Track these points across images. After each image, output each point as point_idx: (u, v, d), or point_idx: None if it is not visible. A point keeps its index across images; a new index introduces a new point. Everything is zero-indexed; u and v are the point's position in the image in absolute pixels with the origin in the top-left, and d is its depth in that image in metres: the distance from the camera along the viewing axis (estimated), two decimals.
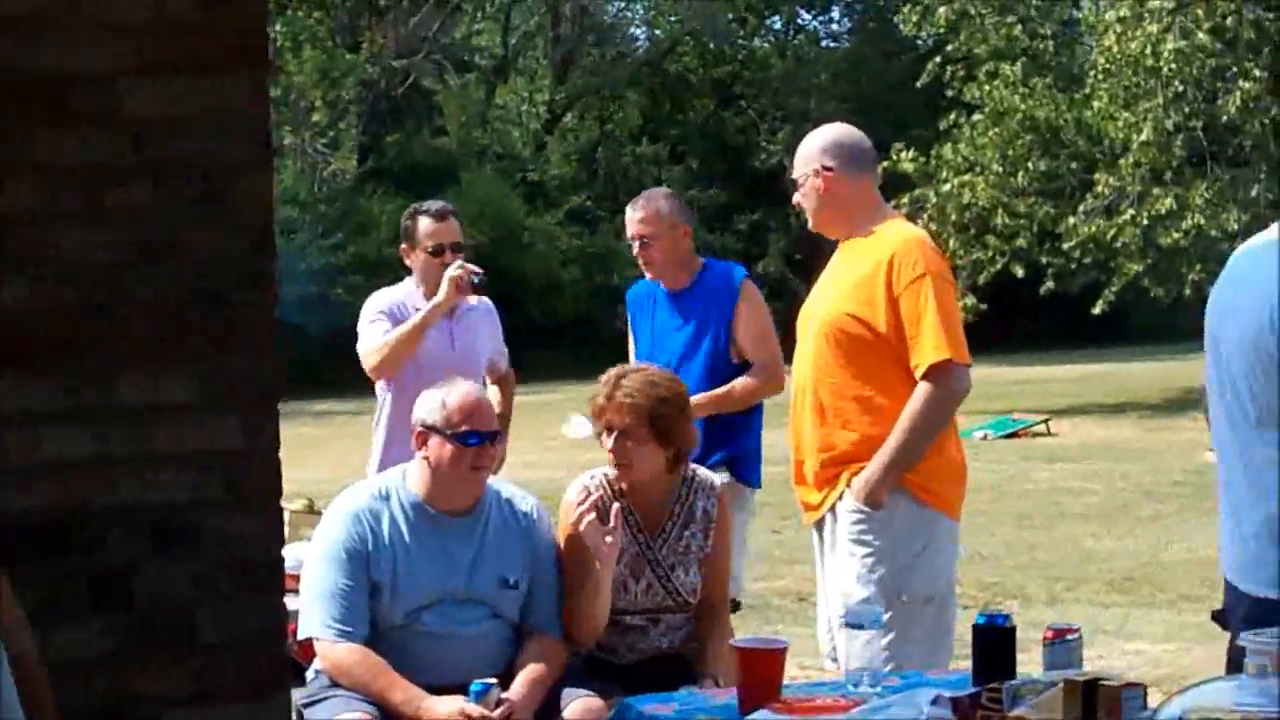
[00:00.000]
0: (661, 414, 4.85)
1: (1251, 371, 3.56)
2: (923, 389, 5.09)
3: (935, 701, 3.01)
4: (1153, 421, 23.85)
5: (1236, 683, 2.79)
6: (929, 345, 5.08)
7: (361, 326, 6.53)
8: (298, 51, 35.42)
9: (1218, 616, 3.76)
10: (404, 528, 4.61)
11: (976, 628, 3.68)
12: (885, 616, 4.69)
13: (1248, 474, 3.60)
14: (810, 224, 5.50)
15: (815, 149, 5.40)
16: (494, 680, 4.35)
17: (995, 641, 3.62)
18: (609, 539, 4.68)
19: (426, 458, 4.65)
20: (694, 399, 5.44)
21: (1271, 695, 2.70)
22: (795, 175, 5.45)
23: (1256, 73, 24.02)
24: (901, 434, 5.08)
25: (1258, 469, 3.56)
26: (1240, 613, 3.56)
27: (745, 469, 6.40)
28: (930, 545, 5.21)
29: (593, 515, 4.72)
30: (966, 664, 7.55)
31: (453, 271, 6.30)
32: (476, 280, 6.38)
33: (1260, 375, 3.53)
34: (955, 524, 5.37)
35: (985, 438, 21.28)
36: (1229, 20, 24.09)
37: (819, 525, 5.41)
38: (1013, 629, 3.64)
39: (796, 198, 5.45)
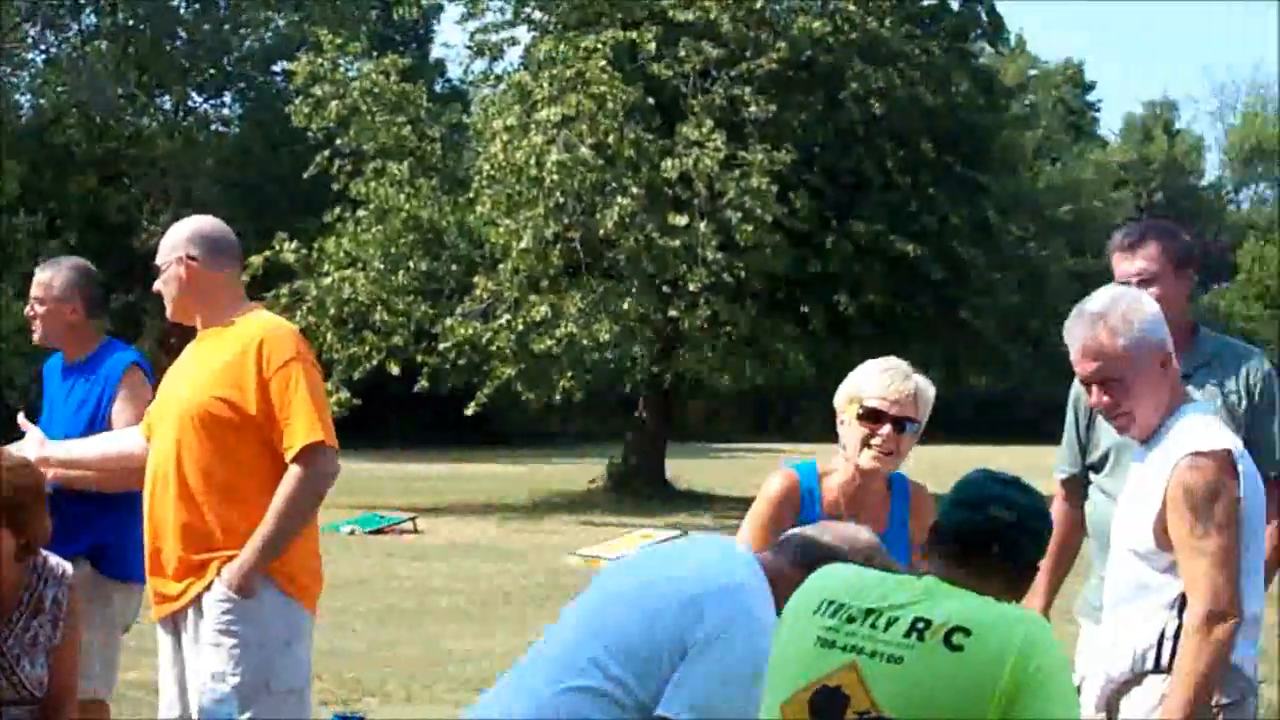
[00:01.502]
0: (14, 500, 4.64)
1: None
2: (294, 472, 5.02)
3: None
4: (518, 523, 24.28)
5: None
6: (301, 427, 5.04)
7: None
8: None
9: None
10: None
11: None
12: (248, 711, 4.65)
13: None
14: (169, 311, 5.48)
15: (181, 238, 5.40)
16: None
17: None
18: None
19: None
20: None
21: None
22: (159, 262, 5.43)
23: (634, 189, 25.01)
24: (275, 518, 4.99)
25: None
26: None
27: (107, 559, 6.06)
28: (294, 638, 5.13)
29: None
30: None
31: None
32: None
33: None
34: (312, 617, 5.27)
35: (353, 533, 21.21)
36: (610, 137, 25.03)
37: (174, 618, 5.20)
38: None
39: (157, 284, 5.43)
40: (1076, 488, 5.24)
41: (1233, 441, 4.06)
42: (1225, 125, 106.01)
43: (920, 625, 3.19)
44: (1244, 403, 4.95)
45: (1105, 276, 5.17)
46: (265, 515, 5.00)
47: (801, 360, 29.17)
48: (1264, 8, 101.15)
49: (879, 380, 4.78)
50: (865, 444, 4.72)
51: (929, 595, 3.28)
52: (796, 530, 4.20)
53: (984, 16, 32.92)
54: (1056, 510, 5.26)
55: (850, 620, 3.28)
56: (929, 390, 4.85)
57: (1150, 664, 4.00)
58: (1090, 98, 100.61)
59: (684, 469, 31.32)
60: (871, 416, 4.74)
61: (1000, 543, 3.38)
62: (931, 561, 3.44)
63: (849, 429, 4.79)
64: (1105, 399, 4.13)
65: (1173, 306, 4.45)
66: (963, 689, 3.08)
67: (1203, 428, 4.06)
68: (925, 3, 31.91)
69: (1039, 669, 3.11)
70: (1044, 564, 5.18)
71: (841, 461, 4.84)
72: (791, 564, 3.84)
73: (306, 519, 5.13)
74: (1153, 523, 4.00)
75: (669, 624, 3.68)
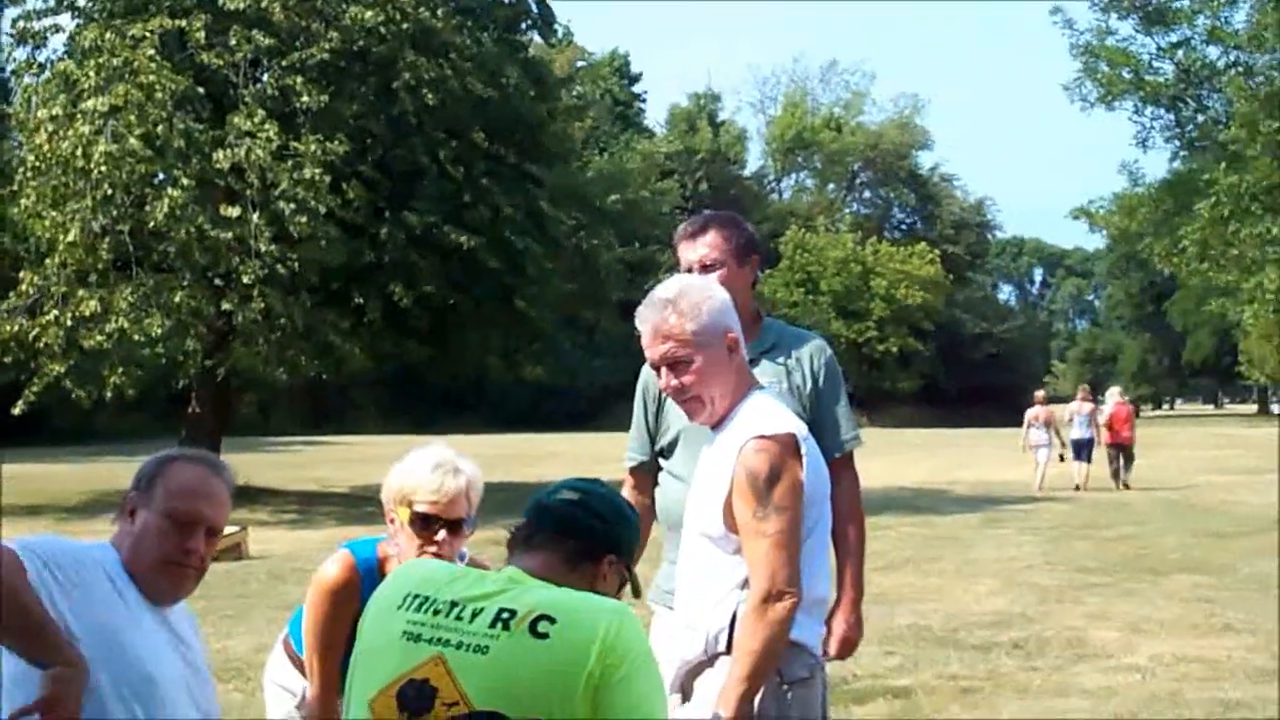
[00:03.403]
0: None
1: None
2: None
3: None
4: (71, 523, 23.52)
5: None
6: None
7: None
8: None
9: None
10: None
11: None
12: None
13: None
14: None
15: None
16: None
17: None
18: None
19: None
20: None
21: None
22: None
23: (185, 181, 24.46)
24: None
25: None
26: None
27: None
28: None
29: None
30: None
31: None
32: None
33: None
34: None
35: None
36: (160, 128, 24.42)
37: None
38: None
39: None
40: (646, 475, 5.31)
41: (797, 425, 4.17)
42: (767, 116, 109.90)
43: (505, 615, 3.19)
44: (808, 386, 5.12)
45: (652, 264, 5.26)
46: None
47: (358, 353, 29.05)
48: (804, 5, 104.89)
49: (429, 481, 4.57)
50: (421, 550, 4.52)
51: (513, 585, 3.29)
52: None
53: (534, 8, 33.30)
54: (627, 498, 5.37)
55: (435, 613, 3.26)
56: (479, 480, 4.67)
57: (723, 646, 4.09)
58: (636, 89, 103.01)
59: (240, 464, 30.59)
60: (424, 522, 4.56)
61: (562, 519, 3.42)
62: (510, 555, 3.46)
63: (403, 532, 4.60)
64: (675, 382, 4.20)
65: (736, 293, 4.53)
66: (551, 676, 3.09)
67: (768, 411, 4.17)
68: None
69: (627, 653, 3.14)
70: None
71: (402, 546, 4.65)
72: None
73: None
74: (721, 506, 4.08)
75: None
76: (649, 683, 3.20)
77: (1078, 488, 31.73)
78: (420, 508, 4.57)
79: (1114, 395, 34.80)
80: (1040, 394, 35.27)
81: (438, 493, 4.57)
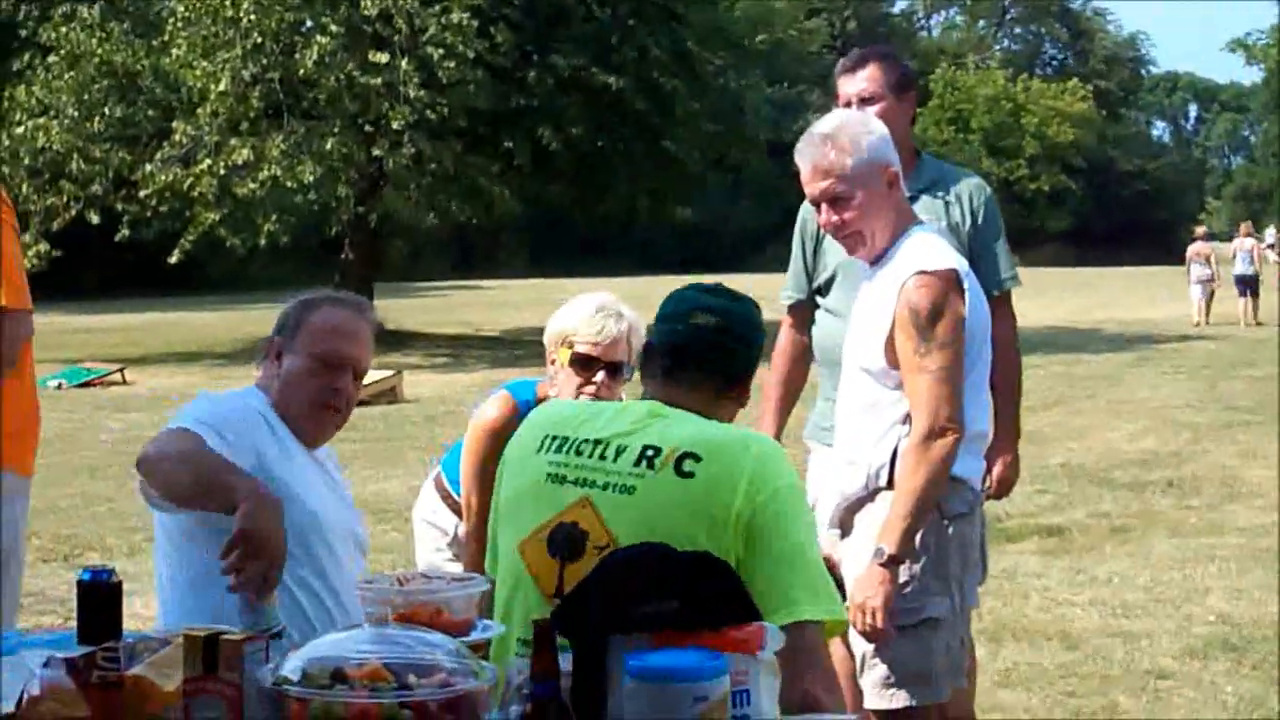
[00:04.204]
0: None
1: None
2: None
3: (48, 664, 2.83)
4: (223, 369, 24.01)
5: (353, 635, 2.78)
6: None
7: None
8: None
9: None
10: None
11: (81, 584, 3.49)
12: None
13: None
14: None
15: None
16: None
17: (102, 598, 3.45)
18: None
19: None
20: None
21: (389, 642, 2.70)
22: None
23: (333, 28, 24.58)
24: None
25: None
26: None
27: None
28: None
29: None
30: (48, 619, 7.40)
31: None
32: None
33: None
34: (22, 477, 4.93)
35: (60, 387, 20.76)
36: None
37: None
38: (119, 584, 3.47)
39: None
40: (804, 314, 5.28)
41: (958, 261, 4.15)
42: None
43: (650, 453, 3.13)
44: (968, 224, 5.08)
45: (800, 104, 5.19)
46: None
47: (506, 196, 29.17)
48: None
49: (591, 324, 4.66)
50: (579, 390, 4.62)
51: (654, 419, 3.22)
52: None
53: None
54: (784, 337, 5.37)
55: (578, 453, 3.21)
56: (641, 326, 4.67)
57: (884, 481, 4.10)
58: None
59: (391, 309, 31.20)
60: (584, 363, 4.65)
61: (707, 350, 3.31)
62: (645, 385, 3.39)
63: (561, 373, 4.70)
64: (835, 218, 4.17)
65: (895, 129, 4.47)
66: (698, 515, 3.03)
67: (929, 247, 4.14)
68: None
69: (774, 491, 3.09)
70: (773, 391, 5.35)
71: (561, 386, 4.74)
72: None
73: None
74: (883, 341, 4.08)
75: None
76: (797, 517, 3.14)
77: (1248, 323, 31.48)
78: (581, 349, 4.64)
79: None
80: (1201, 229, 35.26)
81: (599, 335, 4.63)
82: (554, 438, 3.28)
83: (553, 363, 4.75)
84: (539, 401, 4.72)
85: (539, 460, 3.26)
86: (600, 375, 4.62)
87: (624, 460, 3.15)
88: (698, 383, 3.30)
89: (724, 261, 63.89)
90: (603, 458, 3.18)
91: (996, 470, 5.09)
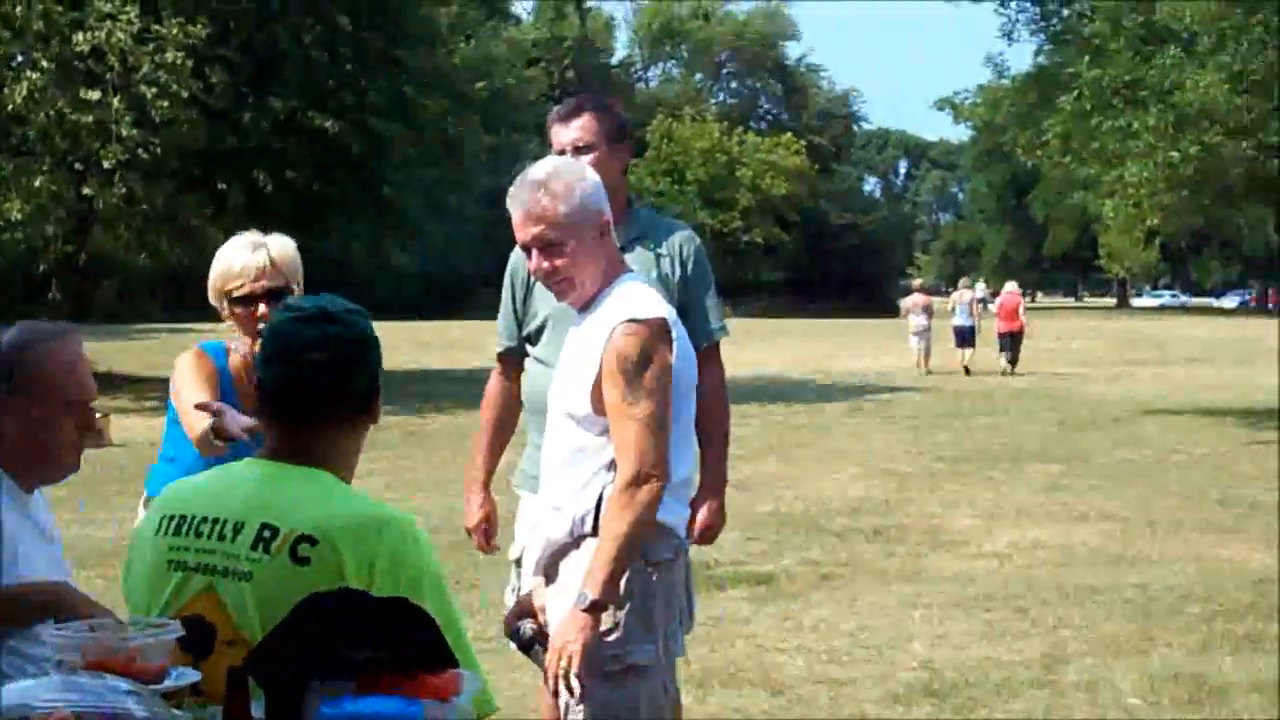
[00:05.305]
0: None
1: None
2: None
3: None
4: None
5: (42, 682, 2.68)
6: None
7: None
8: None
9: None
10: None
11: None
12: None
13: None
14: None
15: None
16: None
17: None
18: None
19: None
20: None
21: (79, 690, 2.62)
22: None
23: (44, 64, 23.99)
24: None
25: None
26: None
27: None
28: None
29: None
30: None
31: None
32: None
33: None
34: None
35: None
36: (18, 9, 23.95)
37: None
38: None
39: None
40: (515, 361, 5.31)
41: (667, 310, 4.18)
42: (635, 4, 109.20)
43: (267, 534, 3.00)
44: (678, 275, 5.15)
45: (518, 152, 5.23)
46: None
47: (221, 238, 28.67)
48: None
49: (234, 266, 4.81)
50: (256, 331, 4.71)
51: (273, 488, 3.10)
52: None
53: None
54: (494, 383, 5.41)
55: (197, 534, 3.08)
56: (287, 247, 4.89)
57: (589, 527, 4.10)
58: None
59: (100, 351, 30.40)
60: (245, 303, 4.80)
61: (323, 383, 3.16)
62: (268, 430, 3.26)
63: (234, 319, 4.86)
64: (546, 264, 4.17)
65: (608, 178, 4.50)
66: None
67: (638, 296, 4.16)
68: None
69: (393, 576, 2.99)
70: (482, 437, 5.36)
71: (239, 338, 4.91)
72: None
73: None
74: (590, 388, 4.08)
75: None
76: (426, 596, 2.98)
77: (967, 370, 33.55)
78: (238, 293, 4.79)
79: (1009, 288, 36.96)
80: (919, 282, 37.42)
81: (243, 272, 4.78)
82: (172, 518, 3.16)
83: (224, 315, 4.88)
84: (227, 351, 4.90)
85: (159, 544, 3.14)
86: (262, 308, 4.74)
87: (242, 541, 3.03)
88: (323, 416, 3.21)
89: (442, 307, 63.83)
90: (221, 537, 3.06)
91: (702, 516, 5.13)
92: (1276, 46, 20.53)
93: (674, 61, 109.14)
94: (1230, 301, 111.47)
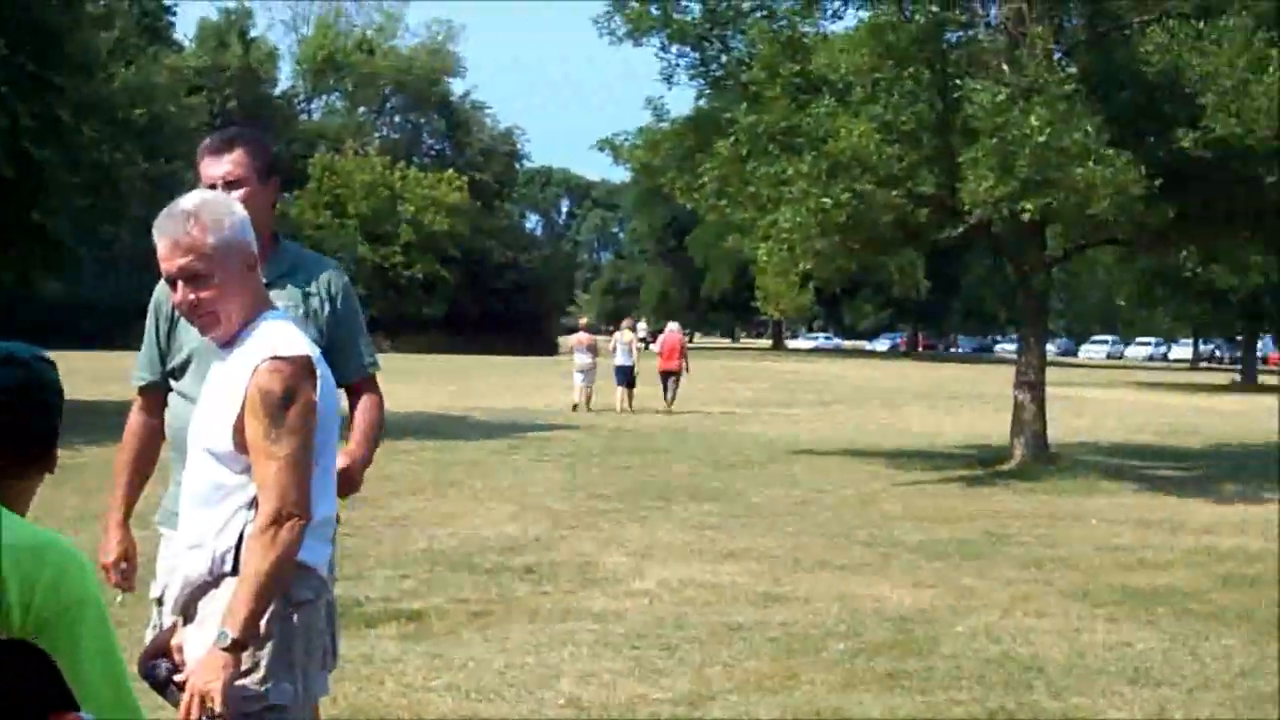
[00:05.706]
0: None
1: None
2: None
3: None
4: None
5: None
6: None
7: None
8: None
9: None
10: None
11: None
12: None
13: None
14: None
15: None
16: None
17: None
18: None
19: None
20: None
21: None
22: None
23: None
24: None
25: None
26: None
27: None
28: None
29: None
30: None
31: None
32: None
33: None
34: None
35: None
36: None
37: None
38: None
39: None
40: (157, 396, 5.21)
41: (310, 348, 4.16)
42: (299, 35, 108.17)
43: None
44: (326, 311, 5.13)
45: (177, 181, 5.14)
46: None
47: None
48: None
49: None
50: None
51: None
52: None
53: None
54: (135, 419, 5.28)
55: None
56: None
57: (229, 566, 4.05)
58: (166, 1, 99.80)
59: None
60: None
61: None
62: None
63: None
64: (191, 296, 4.11)
65: (258, 213, 4.49)
66: None
67: (282, 333, 4.14)
68: None
69: (55, 600, 2.88)
70: (122, 473, 5.23)
71: None
72: None
73: None
74: (232, 425, 4.04)
75: None
76: (93, 628, 2.91)
77: (622, 410, 33.81)
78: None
79: (671, 327, 38.13)
80: (584, 320, 38.70)
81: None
82: None
83: None
84: None
85: None
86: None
87: None
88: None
89: (92, 336, 62.14)
90: None
91: (342, 461, 4.94)
92: (926, 99, 21.31)
93: (338, 94, 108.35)
94: (882, 345, 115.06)
